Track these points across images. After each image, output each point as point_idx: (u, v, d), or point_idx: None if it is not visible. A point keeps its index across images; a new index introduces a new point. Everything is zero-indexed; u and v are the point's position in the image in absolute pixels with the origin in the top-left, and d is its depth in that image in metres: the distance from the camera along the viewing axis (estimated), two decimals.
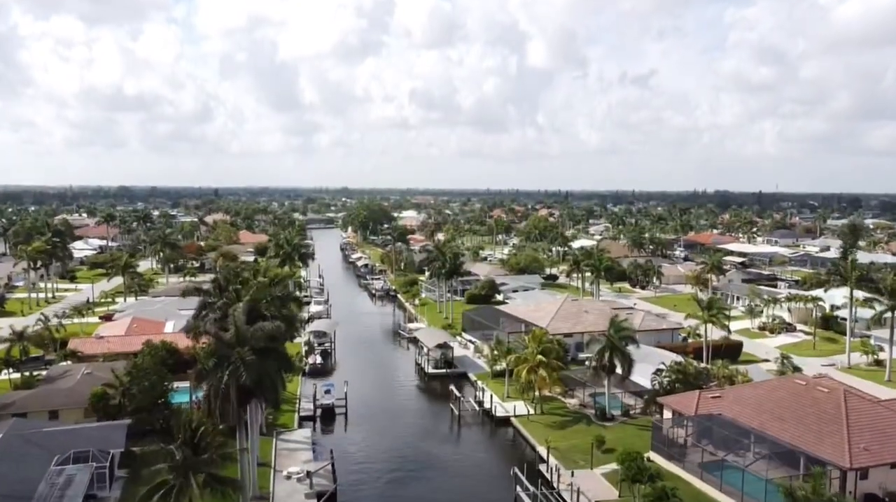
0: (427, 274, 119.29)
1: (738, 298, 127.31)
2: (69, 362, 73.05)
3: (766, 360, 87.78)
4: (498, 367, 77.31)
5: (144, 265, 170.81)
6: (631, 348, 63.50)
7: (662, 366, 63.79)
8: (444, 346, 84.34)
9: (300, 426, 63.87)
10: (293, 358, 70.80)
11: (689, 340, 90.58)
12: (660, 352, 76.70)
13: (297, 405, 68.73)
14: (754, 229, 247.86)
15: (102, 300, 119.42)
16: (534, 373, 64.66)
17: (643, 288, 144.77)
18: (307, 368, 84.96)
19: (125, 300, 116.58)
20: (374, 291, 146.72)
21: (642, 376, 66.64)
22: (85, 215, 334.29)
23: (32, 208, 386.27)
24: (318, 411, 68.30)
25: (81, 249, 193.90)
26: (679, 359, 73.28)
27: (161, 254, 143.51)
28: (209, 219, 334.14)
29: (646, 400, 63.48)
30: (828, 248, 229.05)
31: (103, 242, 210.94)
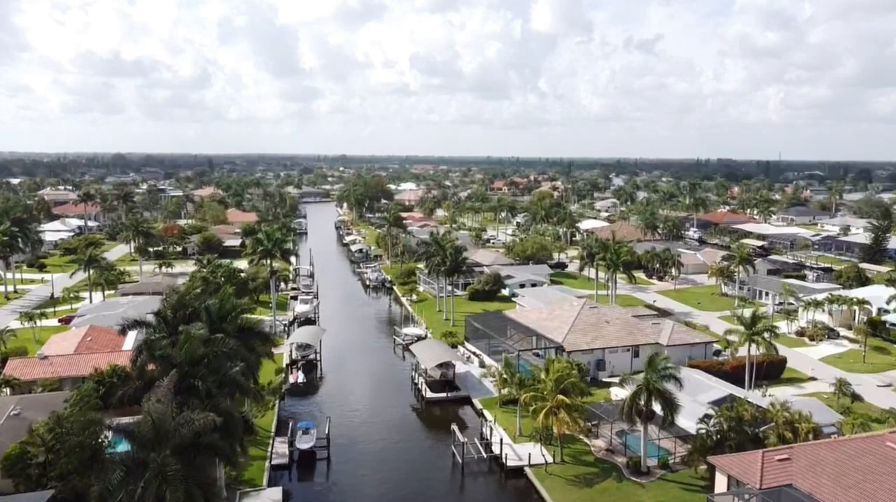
0: (425, 269, 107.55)
1: (766, 294, 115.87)
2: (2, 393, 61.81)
3: (814, 379, 76.88)
4: (506, 390, 66.25)
5: (123, 250, 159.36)
6: (672, 388, 52.02)
7: (712, 412, 52.42)
8: (444, 366, 73.09)
9: (270, 481, 52.75)
10: (264, 388, 59.61)
11: (725, 351, 79.29)
12: (697, 378, 65.42)
13: (269, 449, 57.58)
14: (771, 208, 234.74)
15: (67, 296, 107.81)
16: (553, 416, 53.42)
17: (660, 278, 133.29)
18: (287, 386, 74.00)
19: (90, 298, 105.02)
20: (368, 282, 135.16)
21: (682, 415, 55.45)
22: (71, 188, 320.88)
23: (17, 180, 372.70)
24: (295, 456, 57.20)
25: (57, 231, 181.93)
26: (725, 389, 62.17)
27: (134, 241, 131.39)
28: (200, 192, 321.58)
29: (690, 452, 52.30)
30: (847, 228, 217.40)
31: (82, 222, 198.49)
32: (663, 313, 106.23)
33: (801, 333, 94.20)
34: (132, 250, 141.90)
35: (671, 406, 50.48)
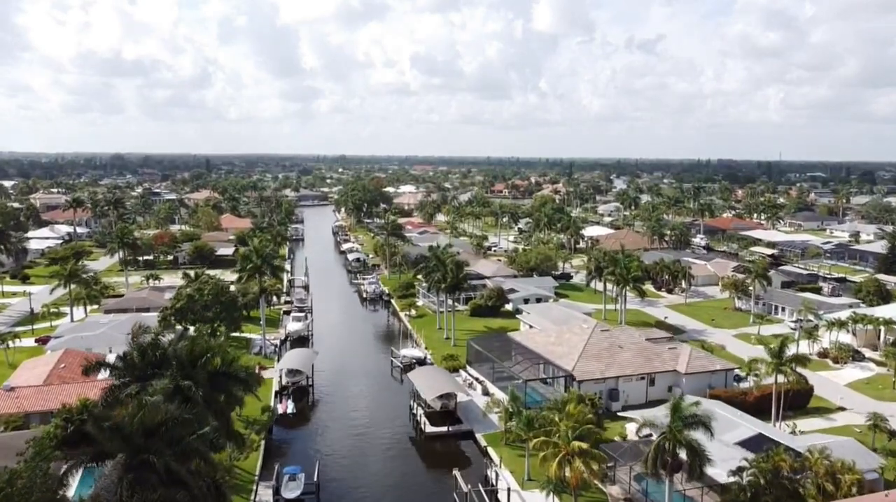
0: (425, 284, 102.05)
1: (782, 309, 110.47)
2: None
3: (843, 409, 71.47)
4: (513, 423, 60.79)
5: (111, 259, 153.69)
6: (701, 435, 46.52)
7: (744, 462, 46.94)
8: (446, 397, 67.64)
9: None
10: (249, 425, 54.16)
11: (747, 378, 73.88)
12: (721, 413, 59.87)
13: (252, 497, 52.08)
14: (779, 213, 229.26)
15: (46, 313, 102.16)
16: (567, 464, 47.95)
17: (670, 291, 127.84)
18: (276, 417, 68.65)
19: (72, 316, 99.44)
20: (365, 294, 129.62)
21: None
22: (63, 191, 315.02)
23: (11, 183, 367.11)
24: None
25: (45, 238, 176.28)
26: (753, 427, 56.67)
27: (120, 253, 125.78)
28: (196, 196, 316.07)
29: None
30: (857, 234, 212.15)
31: (72, 228, 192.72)
32: (676, 331, 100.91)
33: (823, 354, 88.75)
34: (120, 261, 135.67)
35: (700, 457, 44.99)
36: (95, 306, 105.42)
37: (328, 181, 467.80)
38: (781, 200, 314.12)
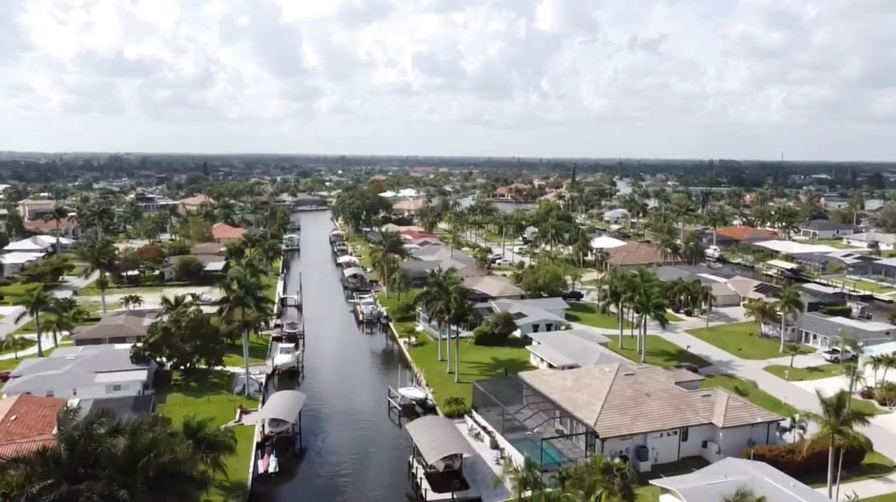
0: (426, 313, 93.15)
1: (814, 337, 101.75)
2: None
3: None
4: (528, 494, 52.25)
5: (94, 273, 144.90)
6: None
7: None
8: (451, 458, 58.97)
9: None
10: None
11: (792, 430, 65.26)
12: (770, 484, 51.18)
13: None
14: (795, 223, 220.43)
15: (11, 343, 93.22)
16: None
17: (689, 313, 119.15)
18: (256, 476, 60.12)
19: (39, 348, 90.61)
20: (361, 316, 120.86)
21: None
22: (53, 196, 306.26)
23: (3, 187, 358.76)
24: None
25: (26, 251, 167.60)
26: None
27: (97, 272, 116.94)
28: (190, 201, 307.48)
29: None
30: (876, 244, 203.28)
31: (56, 240, 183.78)
32: (701, 363, 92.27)
33: (867, 395, 79.96)
34: (97, 283, 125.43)
35: None
36: (68, 332, 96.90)
37: (327, 184, 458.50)
38: (791, 204, 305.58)
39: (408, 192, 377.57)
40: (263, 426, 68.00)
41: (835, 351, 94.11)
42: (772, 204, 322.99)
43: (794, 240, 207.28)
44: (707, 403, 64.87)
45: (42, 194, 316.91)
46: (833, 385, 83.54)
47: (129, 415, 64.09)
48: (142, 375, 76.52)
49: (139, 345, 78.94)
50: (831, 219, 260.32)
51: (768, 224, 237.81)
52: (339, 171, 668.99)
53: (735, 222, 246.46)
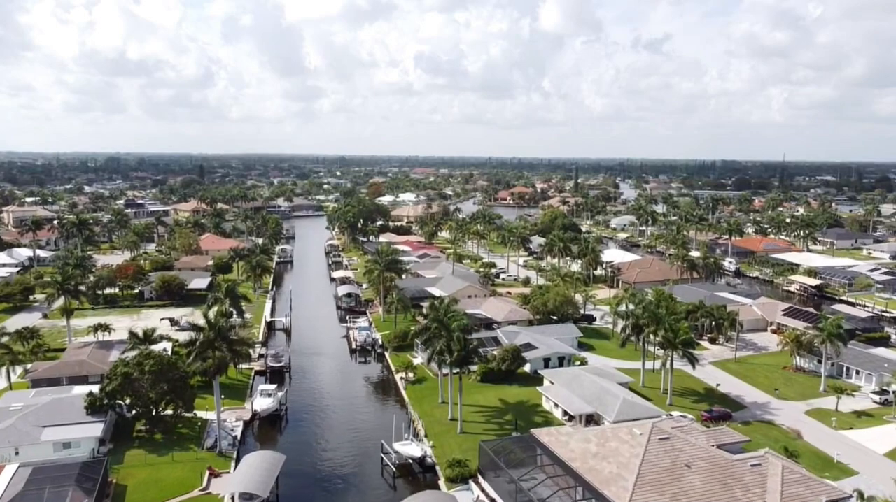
0: (425, 353, 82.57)
1: (856, 372, 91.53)
2: None
3: None
4: None
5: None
6: None
7: None
8: None
9: None
10: None
11: None
12: None
13: None
14: (813, 233, 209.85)
15: None
16: None
17: (713, 341, 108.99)
18: None
19: None
20: (354, 343, 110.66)
21: None
22: (39, 201, 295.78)
23: None
24: None
25: (1, 266, 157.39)
26: None
27: (62, 299, 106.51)
28: (183, 206, 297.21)
29: None
30: None
31: (38, 252, 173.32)
32: (734, 406, 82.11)
33: None
34: (60, 311, 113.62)
35: None
36: (27, 366, 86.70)
37: (325, 187, 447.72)
38: (802, 210, 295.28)
39: (407, 197, 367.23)
40: (234, 499, 57.80)
41: (884, 391, 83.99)
42: (782, 209, 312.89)
43: (812, 251, 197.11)
44: (758, 476, 54.57)
45: (28, 199, 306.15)
46: (888, 436, 73.73)
47: (71, 491, 54.16)
48: (97, 430, 66.38)
49: (95, 392, 68.66)
50: (848, 227, 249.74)
51: (783, 234, 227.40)
52: (339, 173, 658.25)
53: (748, 230, 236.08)
